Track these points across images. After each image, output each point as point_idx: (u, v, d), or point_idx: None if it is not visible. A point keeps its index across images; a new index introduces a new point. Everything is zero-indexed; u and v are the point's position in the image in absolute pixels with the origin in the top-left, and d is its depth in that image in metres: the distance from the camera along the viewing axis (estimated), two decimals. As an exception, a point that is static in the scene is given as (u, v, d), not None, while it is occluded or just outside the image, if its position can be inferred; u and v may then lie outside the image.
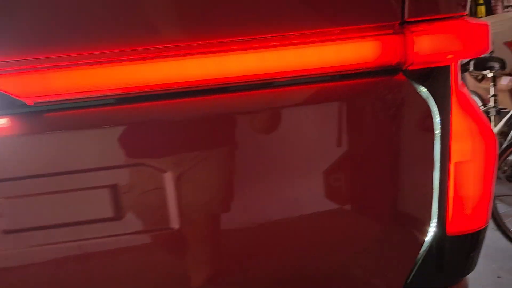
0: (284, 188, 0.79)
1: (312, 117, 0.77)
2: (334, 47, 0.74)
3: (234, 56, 0.73)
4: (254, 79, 0.74)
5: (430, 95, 0.77)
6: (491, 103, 3.46)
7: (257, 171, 0.77)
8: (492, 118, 3.45)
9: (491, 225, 2.89)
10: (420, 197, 0.82)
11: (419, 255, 0.84)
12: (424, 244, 0.83)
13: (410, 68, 0.76)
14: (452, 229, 0.83)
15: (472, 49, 0.79)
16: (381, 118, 0.78)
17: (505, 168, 3.62)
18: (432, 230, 0.83)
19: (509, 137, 3.33)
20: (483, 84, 3.71)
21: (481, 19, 4.00)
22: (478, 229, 0.86)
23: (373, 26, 0.74)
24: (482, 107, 3.56)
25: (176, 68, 0.73)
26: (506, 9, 4.00)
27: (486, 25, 0.81)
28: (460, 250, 0.87)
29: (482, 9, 4.22)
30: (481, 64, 3.45)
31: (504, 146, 3.16)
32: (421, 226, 0.83)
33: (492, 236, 2.95)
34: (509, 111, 3.37)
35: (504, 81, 3.55)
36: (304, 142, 0.78)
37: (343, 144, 0.78)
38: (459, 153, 0.81)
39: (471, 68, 3.52)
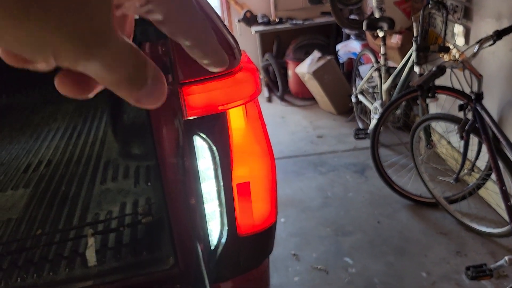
0: None
1: None
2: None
3: None
4: None
5: (208, 138, 0.99)
6: (382, 62, 3.78)
7: None
8: (383, 75, 3.78)
9: (376, 174, 3.25)
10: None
11: (218, 251, 1.10)
12: (221, 244, 1.09)
13: (187, 118, 0.97)
14: (242, 231, 1.10)
15: (242, 97, 1.01)
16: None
17: (395, 119, 4.03)
18: (225, 234, 1.09)
19: (395, 92, 3.67)
20: (377, 42, 3.99)
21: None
22: (265, 228, 1.13)
23: None
24: (375, 64, 3.86)
25: None
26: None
27: (255, 72, 1.03)
28: (252, 244, 1.14)
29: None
30: (372, 24, 3.72)
31: (392, 100, 3.46)
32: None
33: (378, 184, 3.34)
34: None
35: (393, 39, 3.85)
36: None
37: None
38: (240, 177, 1.05)
39: (364, 28, 3.78)
